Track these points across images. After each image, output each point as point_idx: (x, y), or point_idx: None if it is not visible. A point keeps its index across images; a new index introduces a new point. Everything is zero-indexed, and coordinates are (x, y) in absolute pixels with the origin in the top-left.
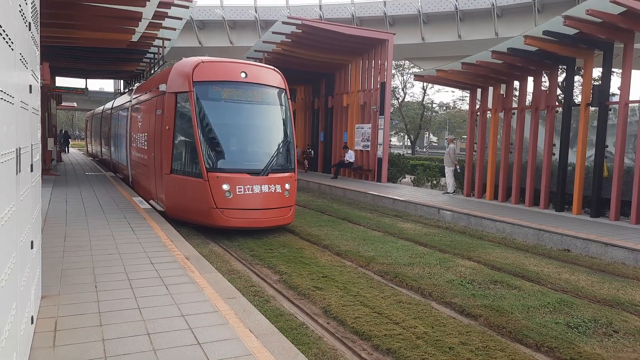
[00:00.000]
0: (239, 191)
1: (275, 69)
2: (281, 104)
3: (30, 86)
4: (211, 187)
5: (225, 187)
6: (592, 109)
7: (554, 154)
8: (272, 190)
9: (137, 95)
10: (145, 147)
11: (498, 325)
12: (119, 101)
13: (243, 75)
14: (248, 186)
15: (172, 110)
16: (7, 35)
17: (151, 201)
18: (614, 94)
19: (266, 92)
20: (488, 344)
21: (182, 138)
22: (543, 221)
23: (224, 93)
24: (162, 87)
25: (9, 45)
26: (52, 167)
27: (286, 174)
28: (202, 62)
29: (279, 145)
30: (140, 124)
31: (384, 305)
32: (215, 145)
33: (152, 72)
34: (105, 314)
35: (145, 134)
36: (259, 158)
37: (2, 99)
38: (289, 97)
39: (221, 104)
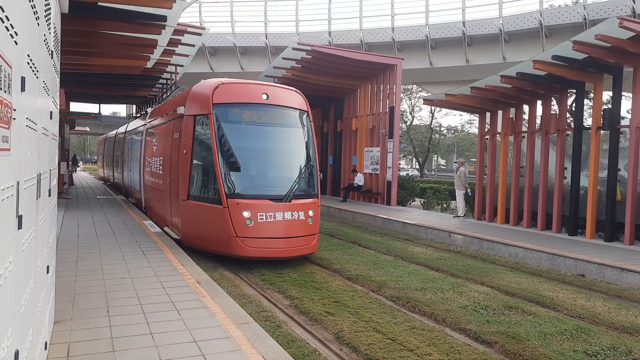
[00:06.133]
0: (260, 219)
1: (297, 90)
2: (303, 126)
3: (51, 112)
4: (231, 214)
5: (246, 214)
6: (602, 132)
7: (565, 178)
8: (295, 218)
9: (152, 119)
10: (160, 172)
11: (515, 353)
12: (133, 125)
13: (264, 97)
14: (270, 213)
15: (191, 133)
16: (33, 63)
17: (165, 228)
18: (623, 117)
19: (288, 114)
20: None
21: (201, 162)
22: (556, 245)
23: (245, 115)
24: (180, 110)
25: (34, 73)
26: (64, 191)
27: (309, 200)
28: (223, 83)
29: (302, 169)
30: (155, 147)
31: (397, 331)
32: (235, 169)
33: (164, 97)
34: (117, 340)
35: (161, 157)
36: (281, 183)
37: (27, 125)
38: (311, 119)
39: (242, 127)
